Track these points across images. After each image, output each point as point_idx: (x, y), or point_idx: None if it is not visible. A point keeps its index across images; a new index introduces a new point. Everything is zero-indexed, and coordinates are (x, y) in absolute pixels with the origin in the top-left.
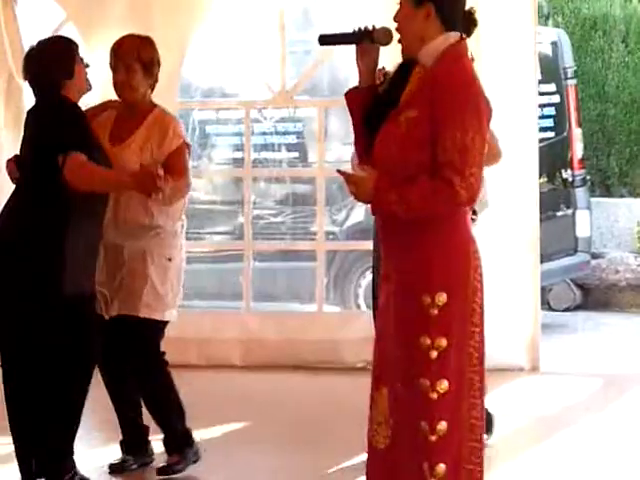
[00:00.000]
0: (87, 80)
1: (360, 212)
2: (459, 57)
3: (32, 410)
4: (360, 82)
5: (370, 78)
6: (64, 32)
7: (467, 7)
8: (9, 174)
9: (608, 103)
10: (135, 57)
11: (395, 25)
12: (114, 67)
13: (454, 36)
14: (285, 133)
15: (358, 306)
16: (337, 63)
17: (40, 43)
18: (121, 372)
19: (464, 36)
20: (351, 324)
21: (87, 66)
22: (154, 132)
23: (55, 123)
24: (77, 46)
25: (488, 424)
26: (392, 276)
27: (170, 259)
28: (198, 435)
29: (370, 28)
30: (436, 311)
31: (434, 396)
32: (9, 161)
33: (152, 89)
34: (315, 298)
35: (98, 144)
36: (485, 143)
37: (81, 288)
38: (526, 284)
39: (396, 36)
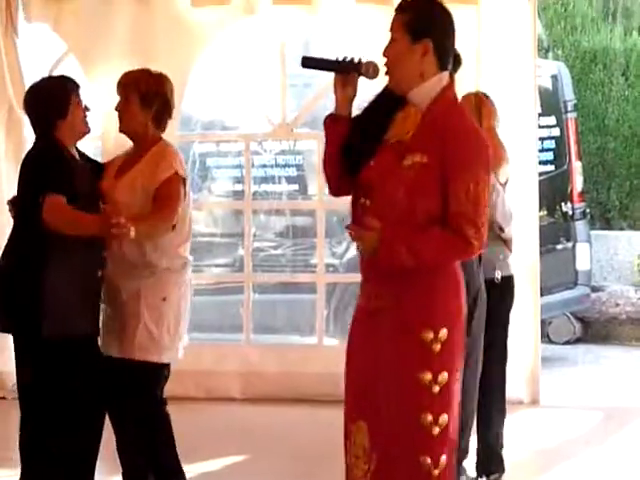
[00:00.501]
0: (85, 123)
1: None
2: (455, 101)
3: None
4: (337, 110)
5: (348, 107)
6: (65, 64)
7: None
8: (11, 212)
9: (608, 136)
10: (133, 88)
11: (384, 60)
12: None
13: (445, 77)
14: (285, 165)
15: None
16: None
17: (39, 81)
18: (122, 413)
19: (453, 76)
20: None
21: (87, 109)
22: (148, 165)
23: (38, 164)
24: (77, 86)
25: (499, 464)
26: (385, 312)
27: (165, 299)
28: (197, 468)
29: (357, 60)
30: (439, 346)
31: (436, 431)
32: (9, 202)
33: (157, 123)
34: (315, 331)
35: (85, 190)
36: (487, 197)
37: (68, 328)
38: (526, 317)
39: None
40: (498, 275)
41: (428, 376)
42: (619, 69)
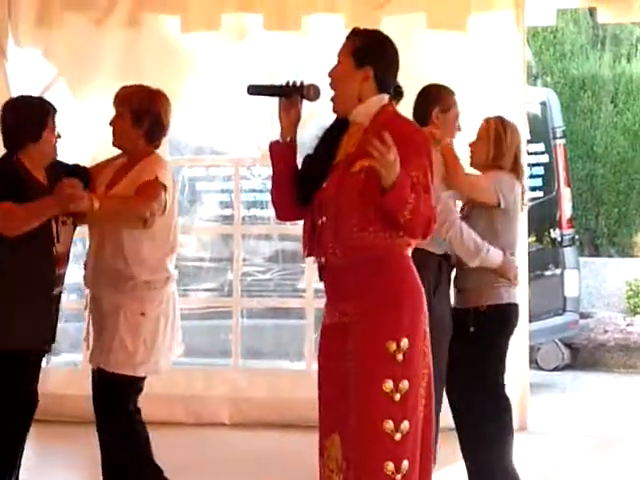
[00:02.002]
0: (54, 149)
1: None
2: (395, 113)
3: None
4: (283, 135)
5: (293, 131)
6: (55, 89)
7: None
8: None
9: (597, 163)
10: (126, 104)
11: (329, 81)
12: None
13: (385, 98)
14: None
15: None
16: (325, 121)
17: (16, 99)
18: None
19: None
20: None
21: (59, 137)
22: (134, 174)
23: None
24: (54, 112)
25: None
26: (349, 326)
27: (143, 314)
28: None
29: (299, 84)
30: (401, 356)
31: (398, 437)
32: None
33: (148, 139)
34: (304, 356)
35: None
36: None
37: (13, 343)
38: (514, 343)
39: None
40: (484, 303)
41: (390, 384)
42: (608, 96)
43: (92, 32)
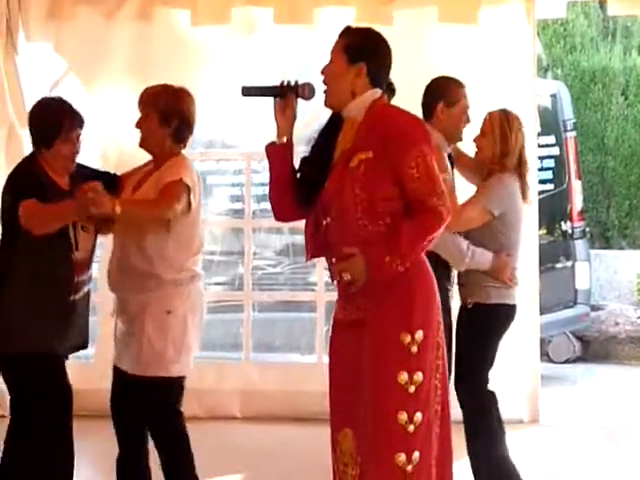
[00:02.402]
0: (68, 160)
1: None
2: (388, 105)
3: None
4: (279, 135)
5: (289, 131)
6: (66, 83)
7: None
8: None
9: (607, 155)
10: (152, 105)
11: (322, 78)
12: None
13: (378, 92)
14: None
15: None
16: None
17: (42, 101)
18: (131, 426)
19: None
20: None
21: (76, 152)
22: (159, 176)
23: (12, 179)
24: (74, 123)
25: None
26: (365, 322)
27: (169, 312)
28: None
29: (293, 83)
30: (415, 348)
31: (411, 428)
32: None
33: (176, 139)
34: (315, 349)
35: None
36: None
37: (20, 345)
38: (525, 336)
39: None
40: (471, 301)
41: (404, 376)
42: (618, 88)
43: (103, 26)
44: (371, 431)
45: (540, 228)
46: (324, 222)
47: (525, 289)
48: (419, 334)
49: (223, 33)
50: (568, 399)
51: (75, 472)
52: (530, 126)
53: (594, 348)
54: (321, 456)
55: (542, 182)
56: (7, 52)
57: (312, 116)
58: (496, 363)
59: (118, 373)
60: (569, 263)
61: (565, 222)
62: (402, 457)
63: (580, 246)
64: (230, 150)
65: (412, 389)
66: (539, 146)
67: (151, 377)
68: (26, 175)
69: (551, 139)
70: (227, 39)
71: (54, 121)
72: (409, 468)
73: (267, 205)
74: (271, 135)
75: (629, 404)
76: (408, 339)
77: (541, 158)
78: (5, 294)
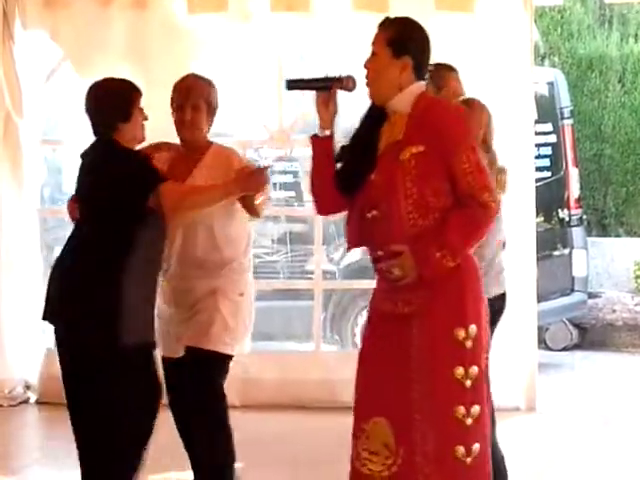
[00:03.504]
0: (143, 129)
1: (357, 251)
2: (434, 99)
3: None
4: (322, 128)
5: (332, 124)
6: (62, 71)
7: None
8: (70, 214)
9: (604, 143)
10: (201, 97)
11: (365, 71)
12: (181, 106)
13: (423, 85)
14: (281, 172)
15: (355, 345)
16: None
17: (104, 80)
18: (188, 412)
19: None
20: (348, 363)
21: (145, 119)
22: (217, 167)
23: (126, 171)
24: (140, 94)
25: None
26: (415, 316)
27: (242, 294)
28: None
29: (337, 76)
30: (470, 343)
31: (469, 422)
32: (70, 201)
33: (209, 129)
34: (312, 337)
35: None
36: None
37: (140, 338)
38: (523, 323)
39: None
40: None
41: (460, 371)
42: (615, 76)
43: (98, 13)
44: (425, 426)
45: (537, 216)
46: (368, 215)
47: (522, 277)
48: (472, 328)
49: (219, 21)
50: (565, 387)
51: (69, 461)
52: (527, 114)
53: (591, 335)
54: (319, 444)
55: (539, 170)
56: (4, 40)
57: (309, 106)
58: (493, 351)
59: (171, 364)
60: (566, 251)
61: (562, 210)
62: (461, 450)
63: (577, 234)
64: (226, 138)
65: (468, 383)
66: (536, 134)
67: (209, 352)
68: (132, 156)
69: (548, 127)
70: (223, 27)
71: (127, 93)
72: (468, 460)
73: None
74: (267, 124)
75: (626, 391)
76: (463, 334)
77: (538, 146)
78: (125, 283)
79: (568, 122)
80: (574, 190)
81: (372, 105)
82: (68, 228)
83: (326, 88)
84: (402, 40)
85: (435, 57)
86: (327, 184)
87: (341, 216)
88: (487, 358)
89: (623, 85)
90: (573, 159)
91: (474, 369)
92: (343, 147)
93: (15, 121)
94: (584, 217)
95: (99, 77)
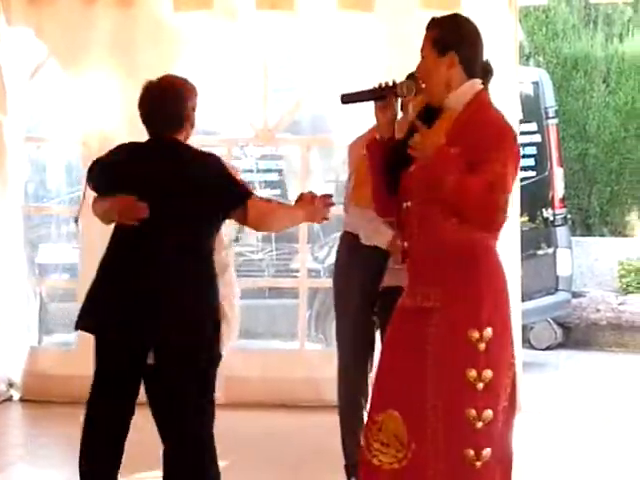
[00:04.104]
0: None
1: None
2: (489, 105)
3: None
4: (381, 134)
5: (390, 130)
6: (47, 68)
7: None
8: (137, 212)
9: (589, 143)
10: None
11: (419, 75)
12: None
13: (477, 83)
14: (266, 170)
15: None
16: (319, 101)
17: (162, 86)
18: None
19: (485, 85)
20: (333, 362)
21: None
22: None
23: (224, 179)
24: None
25: None
26: (432, 312)
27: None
28: None
29: (392, 84)
30: (483, 345)
31: (479, 425)
32: (129, 199)
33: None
34: (297, 336)
35: None
36: (512, 185)
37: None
38: None
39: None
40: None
41: (473, 373)
42: (600, 76)
43: (84, 11)
44: (437, 424)
45: (522, 215)
46: (405, 205)
47: (506, 276)
48: (487, 331)
49: (205, 19)
50: (549, 386)
51: (60, 458)
52: (512, 113)
53: (575, 335)
54: (303, 441)
55: (524, 169)
56: None
57: (303, 95)
58: None
59: None
60: (550, 250)
61: (547, 209)
62: (471, 453)
63: (561, 233)
64: (211, 137)
65: (480, 386)
66: (521, 133)
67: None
68: (223, 164)
69: (533, 126)
70: (209, 25)
71: (190, 91)
72: (478, 464)
73: None
74: (252, 122)
75: (610, 390)
76: (476, 336)
77: (523, 145)
78: (216, 284)
79: (553, 122)
80: (559, 190)
81: (427, 105)
82: (52, 225)
83: (382, 98)
84: (446, 37)
85: (418, 56)
86: (385, 189)
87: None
88: (513, 364)
89: (608, 85)
90: (558, 159)
91: (488, 373)
92: (395, 144)
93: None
94: (568, 216)
95: (84, 74)
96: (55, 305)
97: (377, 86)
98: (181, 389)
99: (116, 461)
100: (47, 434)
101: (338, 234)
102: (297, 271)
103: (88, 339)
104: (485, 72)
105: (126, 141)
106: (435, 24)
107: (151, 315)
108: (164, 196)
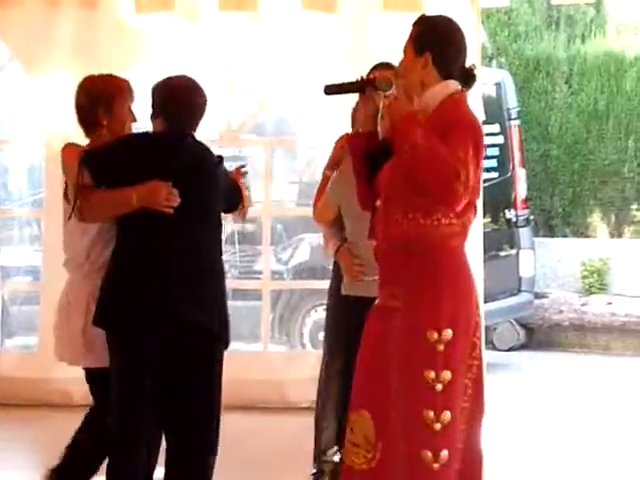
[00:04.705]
0: None
1: (305, 251)
2: (459, 104)
3: None
4: (362, 128)
5: (371, 123)
6: (9, 69)
7: (468, 64)
8: (169, 203)
9: (551, 144)
10: None
11: (398, 71)
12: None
13: (453, 85)
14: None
15: (303, 346)
16: (283, 102)
17: (174, 85)
18: None
19: (463, 88)
20: (296, 364)
21: None
22: None
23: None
24: None
25: None
26: (397, 312)
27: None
28: None
29: (372, 77)
30: (442, 347)
31: (437, 427)
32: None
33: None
34: (260, 338)
35: None
36: (475, 175)
37: None
38: None
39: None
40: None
41: (431, 374)
42: (562, 77)
43: (47, 12)
44: (397, 424)
45: (484, 216)
46: (377, 204)
47: (473, 277)
48: (447, 333)
49: (167, 20)
50: (513, 387)
51: (23, 461)
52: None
53: (538, 336)
54: (266, 444)
55: (486, 170)
56: None
57: (267, 97)
58: None
59: None
60: (513, 251)
61: (509, 210)
62: (429, 455)
63: (524, 234)
64: None
65: (439, 387)
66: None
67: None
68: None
69: (495, 127)
70: (171, 26)
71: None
72: (435, 466)
73: None
74: (216, 123)
75: (573, 391)
76: (435, 337)
77: (485, 147)
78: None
79: (515, 123)
80: (521, 191)
81: None
82: (14, 228)
83: (360, 90)
84: (423, 36)
85: (383, 57)
86: (366, 182)
87: (289, 215)
88: (478, 365)
89: (570, 86)
90: (520, 160)
91: (447, 374)
92: (379, 145)
93: None
94: (531, 217)
95: (47, 75)
96: (17, 308)
97: (357, 79)
98: (211, 383)
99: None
100: (8, 437)
101: (301, 235)
102: (260, 273)
103: (49, 342)
104: (466, 77)
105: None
106: (418, 22)
107: (191, 302)
108: (190, 187)
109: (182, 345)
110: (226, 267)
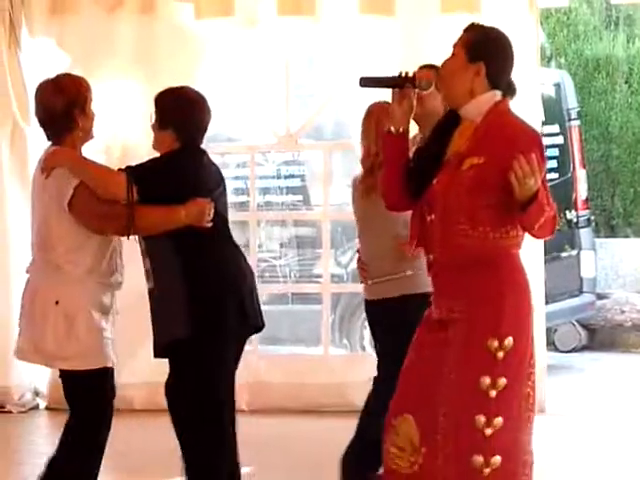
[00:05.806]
0: None
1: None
2: (508, 112)
3: None
4: (396, 126)
5: (405, 121)
6: None
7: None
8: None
9: (612, 144)
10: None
11: (442, 72)
12: None
13: (498, 95)
14: (288, 176)
15: (363, 348)
16: (341, 106)
17: (197, 91)
18: None
19: (506, 98)
20: (357, 367)
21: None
22: None
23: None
24: None
25: None
26: (456, 323)
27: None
28: None
29: (410, 74)
30: (502, 354)
31: (489, 432)
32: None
33: None
34: (321, 341)
35: None
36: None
37: None
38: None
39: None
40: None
41: (487, 381)
42: (622, 76)
43: (105, 20)
44: (447, 429)
45: None
46: (429, 218)
47: (530, 278)
48: (508, 340)
49: (226, 26)
50: (575, 388)
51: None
52: (534, 115)
53: (600, 336)
54: (327, 447)
55: (546, 171)
56: (10, 48)
57: (325, 101)
58: None
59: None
60: (574, 252)
61: (570, 211)
62: (480, 459)
63: (585, 235)
64: (233, 144)
65: (493, 393)
66: (543, 135)
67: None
68: None
69: (555, 128)
70: (230, 32)
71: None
72: (486, 471)
73: (271, 197)
74: (274, 128)
75: (636, 392)
76: (495, 345)
77: (545, 147)
78: None
79: (575, 123)
80: (582, 191)
81: (450, 109)
82: None
83: (398, 86)
84: (478, 45)
85: (439, 59)
86: (397, 181)
87: (348, 219)
88: (532, 373)
89: (630, 86)
90: (580, 160)
91: (502, 380)
92: (417, 149)
93: (22, 127)
94: (592, 218)
95: (106, 83)
96: None
97: (397, 74)
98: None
99: None
100: None
101: None
102: (320, 276)
103: None
104: (509, 89)
105: (149, 150)
106: (473, 28)
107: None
108: (218, 201)
109: (242, 347)
110: (286, 271)
